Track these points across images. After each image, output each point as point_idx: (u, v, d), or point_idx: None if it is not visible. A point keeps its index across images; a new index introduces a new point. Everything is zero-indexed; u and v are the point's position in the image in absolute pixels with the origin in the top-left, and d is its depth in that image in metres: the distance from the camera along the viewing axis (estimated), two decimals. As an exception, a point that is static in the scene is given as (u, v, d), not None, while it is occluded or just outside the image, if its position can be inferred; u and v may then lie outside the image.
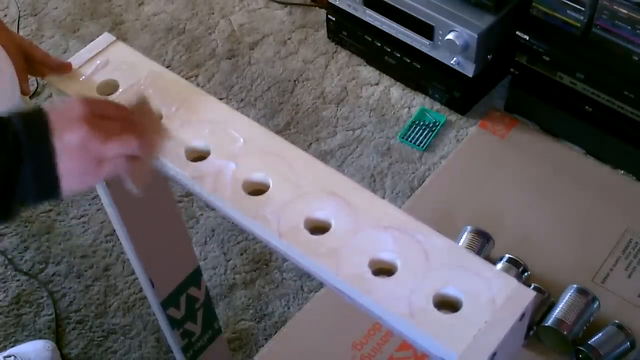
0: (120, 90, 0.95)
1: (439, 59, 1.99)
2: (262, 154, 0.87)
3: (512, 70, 1.95)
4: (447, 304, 0.75)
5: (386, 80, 2.15)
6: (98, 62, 0.98)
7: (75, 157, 0.76)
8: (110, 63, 0.98)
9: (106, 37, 1.01)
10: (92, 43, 1.00)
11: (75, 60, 0.98)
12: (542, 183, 1.89)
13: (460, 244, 1.71)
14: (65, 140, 0.75)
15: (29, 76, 0.96)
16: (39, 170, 0.75)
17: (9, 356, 1.62)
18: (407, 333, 0.74)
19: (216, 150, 0.88)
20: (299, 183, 0.84)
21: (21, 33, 2.35)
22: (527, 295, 0.74)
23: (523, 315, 0.73)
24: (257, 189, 0.85)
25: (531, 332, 1.61)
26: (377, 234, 0.80)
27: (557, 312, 1.59)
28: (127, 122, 0.81)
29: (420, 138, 2.01)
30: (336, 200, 0.83)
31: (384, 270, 0.78)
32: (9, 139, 0.73)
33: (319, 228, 0.81)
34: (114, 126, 0.79)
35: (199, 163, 0.87)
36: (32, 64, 0.95)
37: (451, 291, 0.75)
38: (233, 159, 0.87)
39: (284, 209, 0.82)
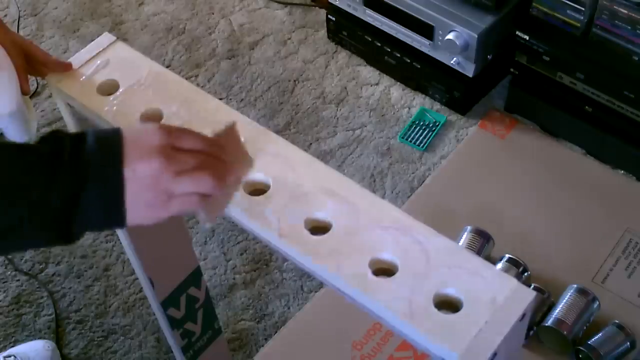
0: (121, 90, 0.95)
1: (439, 59, 1.99)
2: (262, 154, 0.87)
3: (512, 70, 1.95)
4: (448, 304, 0.75)
5: (386, 80, 2.15)
6: (98, 62, 0.98)
7: (143, 188, 0.72)
8: (110, 63, 0.98)
9: (106, 37, 1.01)
10: (92, 43, 1.00)
11: (75, 60, 0.98)
12: (542, 183, 1.89)
13: (460, 244, 1.71)
14: (137, 169, 0.72)
15: (29, 76, 0.95)
16: (104, 194, 0.71)
17: (9, 356, 1.62)
18: (407, 333, 0.74)
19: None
20: (299, 183, 0.84)
21: (21, 33, 2.35)
22: (528, 295, 0.74)
23: (523, 315, 0.73)
24: (257, 189, 0.85)
25: (531, 332, 1.61)
26: (378, 234, 0.80)
27: (557, 312, 1.59)
28: (206, 156, 0.76)
29: (420, 138, 2.01)
30: (336, 201, 0.83)
31: (384, 270, 0.78)
32: (81, 156, 0.71)
33: (319, 228, 0.81)
34: (190, 160, 0.74)
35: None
36: (32, 63, 0.95)
37: (451, 291, 0.75)
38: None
39: (284, 209, 0.82)
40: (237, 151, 0.81)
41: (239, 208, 0.83)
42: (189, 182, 0.74)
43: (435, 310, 0.74)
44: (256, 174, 0.86)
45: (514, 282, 0.75)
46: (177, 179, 0.73)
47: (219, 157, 0.77)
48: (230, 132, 0.80)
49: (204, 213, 0.78)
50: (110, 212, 0.73)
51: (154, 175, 0.72)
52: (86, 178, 0.70)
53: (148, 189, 0.73)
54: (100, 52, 0.99)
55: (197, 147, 0.76)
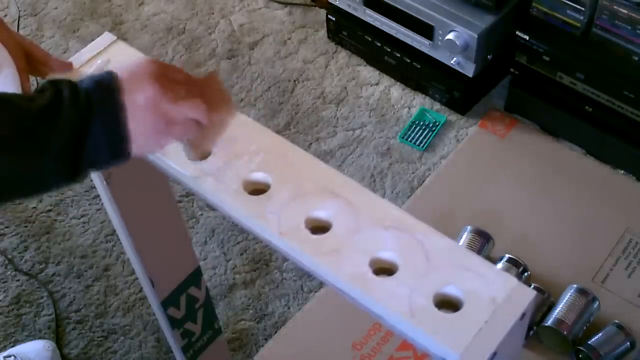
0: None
1: (439, 59, 1.99)
2: (262, 153, 0.87)
3: (512, 70, 1.95)
4: (448, 304, 0.75)
5: (386, 80, 2.15)
6: (99, 61, 0.98)
7: (145, 115, 0.76)
8: (111, 63, 0.98)
9: (107, 37, 1.01)
10: (92, 42, 1.00)
11: (76, 59, 0.98)
12: (542, 183, 1.89)
13: (461, 244, 1.71)
14: (136, 98, 0.76)
15: (29, 76, 0.96)
16: (109, 128, 0.75)
17: (9, 356, 1.62)
18: (407, 332, 0.74)
19: (216, 149, 0.88)
20: (299, 183, 0.84)
21: (21, 33, 2.34)
22: (528, 294, 0.74)
23: (524, 314, 0.73)
24: (257, 189, 0.85)
25: (531, 332, 1.61)
26: (378, 234, 0.80)
27: (557, 312, 1.59)
28: (195, 87, 0.82)
29: (420, 138, 2.01)
30: (337, 200, 0.83)
31: (384, 269, 0.78)
32: (81, 97, 0.74)
33: (319, 227, 0.81)
34: (182, 89, 0.79)
35: (199, 162, 0.87)
36: (33, 63, 0.95)
37: (452, 290, 0.75)
38: (234, 158, 0.87)
39: (284, 209, 0.82)
40: (219, 96, 0.86)
41: (240, 207, 0.83)
42: (186, 106, 0.78)
43: (436, 309, 0.74)
44: (256, 174, 0.86)
45: (514, 281, 0.75)
46: (175, 104, 0.78)
47: (203, 92, 0.82)
48: (211, 76, 0.86)
49: (192, 148, 0.83)
50: (115, 143, 0.76)
51: (152, 100, 0.76)
52: (89, 113, 0.74)
53: (148, 115, 0.76)
54: (100, 51, 0.99)
55: (186, 80, 0.81)
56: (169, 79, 0.78)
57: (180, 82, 0.80)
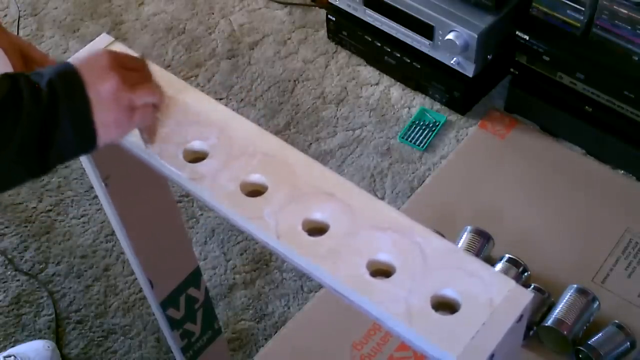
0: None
1: (439, 59, 1.98)
2: (260, 155, 0.87)
3: (512, 70, 1.95)
4: (445, 306, 0.75)
5: (386, 80, 2.15)
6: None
7: (109, 106, 0.78)
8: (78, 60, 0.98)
9: (104, 38, 1.01)
10: (90, 44, 1.00)
11: (72, 61, 0.98)
12: (542, 183, 1.89)
13: (460, 244, 1.71)
14: (99, 90, 0.77)
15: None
16: (77, 121, 0.77)
17: (9, 356, 1.62)
18: (405, 334, 0.74)
19: (214, 151, 0.88)
20: (296, 184, 0.84)
21: (21, 33, 2.35)
22: (525, 296, 0.74)
23: (521, 316, 0.73)
24: (255, 190, 0.85)
25: (531, 332, 1.61)
26: (375, 236, 0.80)
27: (557, 312, 1.59)
28: (146, 72, 0.85)
29: (420, 138, 2.01)
30: (334, 202, 0.82)
31: (382, 271, 0.78)
32: (43, 91, 0.75)
33: (317, 229, 0.81)
34: (136, 76, 0.82)
35: (196, 164, 0.87)
36: (30, 65, 0.95)
37: (449, 293, 0.75)
38: (231, 160, 0.87)
39: (281, 211, 0.82)
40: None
41: (237, 209, 0.83)
42: (144, 91, 0.82)
43: (433, 311, 0.74)
44: (254, 175, 0.86)
45: (511, 283, 0.75)
46: (134, 91, 0.80)
47: (150, 73, 0.86)
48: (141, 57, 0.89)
49: (149, 133, 0.88)
50: (84, 135, 0.78)
51: (115, 91, 0.79)
52: (55, 106, 0.75)
53: (112, 105, 0.79)
54: (98, 53, 0.99)
55: (137, 66, 0.84)
56: (125, 67, 0.81)
57: (133, 68, 0.83)
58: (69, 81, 0.77)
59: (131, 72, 0.82)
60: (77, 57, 0.82)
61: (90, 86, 0.77)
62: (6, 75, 0.76)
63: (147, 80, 0.84)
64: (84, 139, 0.78)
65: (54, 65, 0.79)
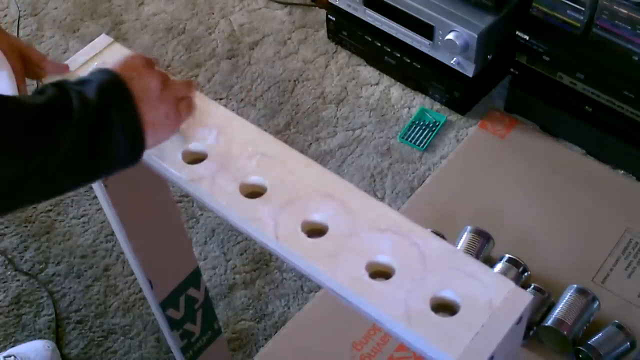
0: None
1: (439, 59, 1.98)
2: (259, 156, 0.87)
3: (512, 70, 1.95)
4: (445, 307, 0.75)
5: (386, 80, 2.15)
6: (95, 64, 0.98)
7: (157, 104, 0.79)
8: (107, 65, 0.98)
9: (103, 39, 1.01)
10: (89, 45, 1.00)
11: (72, 62, 0.98)
12: (542, 183, 1.89)
13: (460, 244, 1.71)
14: (146, 89, 0.78)
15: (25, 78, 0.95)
16: (127, 126, 0.76)
17: (9, 356, 1.62)
18: (404, 336, 0.74)
19: (213, 152, 0.88)
20: (296, 185, 0.84)
21: (21, 33, 2.35)
22: (525, 298, 0.74)
23: (520, 318, 0.73)
24: (254, 192, 0.85)
25: (531, 333, 1.61)
26: (375, 237, 0.80)
27: (557, 312, 1.59)
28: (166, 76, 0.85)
29: (420, 138, 2.01)
30: (333, 203, 0.82)
31: (381, 273, 0.78)
32: (90, 98, 0.74)
33: (316, 231, 0.81)
34: (164, 73, 0.82)
35: (196, 165, 0.87)
36: (29, 66, 0.95)
37: (448, 294, 0.75)
38: (230, 161, 0.87)
39: (281, 212, 0.82)
40: None
41: (236, 211, 0.83)
42: (181, 85, 0.84)
43: (432, 313, 0.74)
44: (253, 177, 0.86)
45: (511, 284, 0.75)
46: (172, 87, 0.81)
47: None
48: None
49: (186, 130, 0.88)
50: (134, 140, 0.77)
51: (159, 88, 0.79)
52: (106, 117, 0.74)
53: (159, 103, 0.79)
54: (97, 54, 0.99)
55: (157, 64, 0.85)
56: (155, 67, 0.82)
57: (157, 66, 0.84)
58: (115, 85, 0.76)
59: (158, 69, 0.83)
60: (106, 65, 0.82)
61: (136, 87, 0.77)
62: (52, 83, 0.75)
63: (178, 81, 0.86)
64: (135, 142, 0.78)
65: (93, 71, 0.79)
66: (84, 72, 0.97)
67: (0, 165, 0.69)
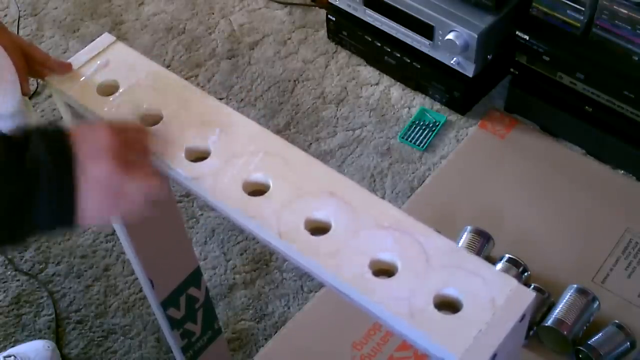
0: (121, 90, 0.95)
1: (439, 59, 1.98)
2: (262, 154, 0.87)
3: (512, 70, 1.95)
4: (448, 305, 0.75)
5: (386, 80, 2.15)
6: (98, 62, 0.98)
7: (96, 191, 0.73)
8: (110, 63, 0.98)
9: (106, 38, 1.01)
10: (92, 43, 1.00)
11: (75, 60, 0.98)
12: (542, 183, 1.89)
13: (460, 244, 1.71)
14: (90, 173, 0.72)
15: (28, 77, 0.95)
16: (57, 201, 0.72)
17: (9, 356, 1.62)
18: (407, 334, 0.74)
19: (216, 150, 0.88)
20: (299, 183, 0.84)
21: (21, 33, 2.35)
22: (528, 296, 0.74)
23: (523, 316, 0.73)
24: (257, 190, 0.85)
25: (531, 332, 1.61)
26: (378, 235, 0.80)
27: (557, 312, 1.59)
28: (146, 157, 0.79)
29: (420, 138, 2.01)
30: (336, 201, 0.82)
31: (384, 270, 0.78)
32: (27, 163, 0.70)
33: (319, 229, 0.81)
34: (134, 158, 0.76)
35: (198, 163, 0.87)
36: (32, 64, 0.95)
37: (451, 292, 0.75)
38: (233, 159, 0.87)
39: (284, 210, 0.82)
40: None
41: (239, 208, 0.83)
42: (138, 181, 0.76)
43: (435, 310, 0.74)
44: (256, 174, 0.86)
45: (514, 282, 0.75)
46: (127, 179, 0.75)
47: (151, 146, 0.81)
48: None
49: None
50: (62, 216, 0.73)
51: (106, 176, 0.73)
52: (37, 186, 0.70)
53: (100, 191, 0.74)
54: (100, 52, 0.99)
55: (139, 139, 0.79)
56: (126, 147, 0.75)
57: (135, 145, 0.77)
58: (59, 154, 0.71)
59: (131, 150, 0.76)
60: (79, 127, 0.76)
61: (81, 166, 0.71)
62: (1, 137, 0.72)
63: (146, 165, 0.79)
64: (61, 218, 0.73)
65: (52, 128, 0.73)
66: (86, 71, 0.97)
67: None
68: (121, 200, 0.76)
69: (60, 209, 0.72)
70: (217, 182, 0.85)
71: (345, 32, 2.18)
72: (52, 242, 1.87)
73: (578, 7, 1.75)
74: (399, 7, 1.97)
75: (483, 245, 1.71)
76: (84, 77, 0.97)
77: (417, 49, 2.02)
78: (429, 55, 2.00)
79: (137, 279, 1.74)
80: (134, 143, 0.78)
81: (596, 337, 1.58)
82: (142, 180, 0.77)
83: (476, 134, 2.01)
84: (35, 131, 0.73)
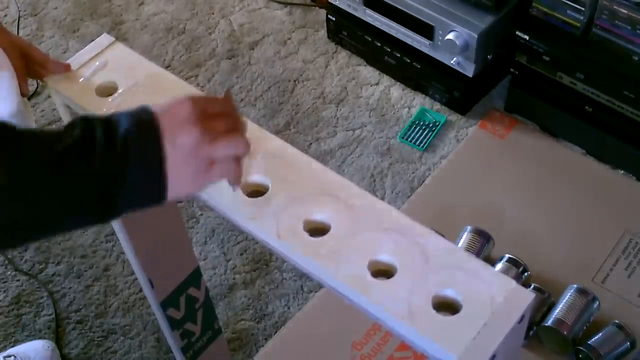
0: (119, 91, 0.95)
1: (439, 59, 1.98)
2: (261, 155, 0.87)
3: (512, 70, 1.95)
4: (446, 306, 0.75)
5: (386, 80, 2.15)
6: (97, 63, 0.98)
7: (187, 161, 0.73)
8: (109, 64, 0.98)
9: (105, 38, 1.01)
10: (91, 44, 1.00)
11: (74, 61, 0.98)
12: (542, 183, 1.89)
13: (460, 244, 1.71)
14: (177, 143, 0.72)
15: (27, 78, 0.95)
16: (148, 177, 0.72)
17: (9, 356, 1.62)
18: (406, 335, 0.74)
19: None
20: (298, 185, 0.84)
21: (21, 33, 2.35)
22: (526, 297, 0.74)
23: (522, 317, 0.73)
24: (256, 191, 0.85)
25: (531, 333, 1.61)
26: (376, 236, 0.80)
27: (557, 312, 1.59)
28: (233, 119, 0.78)
29: (420, 138, 2.01)
30: (335, 202, 0.83)
31: (383, 272, 0.78)
32: (118, 141, 0.70)
33: (318, 230, 0.81)
34: (221, 125, 0.75)
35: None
36: (31, 65, 0.95)
37: (450, 293, 0.75)
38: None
39: (283, 211, 0.82)
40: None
41: (238, 209, 0.83)
42: (226, 145, 0.75)
43: (434, 311, 0.74)
44: (255, 176, 0.86)
45: (512, 283, 0.75)
46: (215, 145, 0.74)
47: (239, 118, 0.79)
48: (228, 95, 0.82)
49: (233, 179, 0.79)
50: (153, 191, 0.73)
51: (193, 144, 0.73)
52: (126, 159, 0.70)
53: (190, 159, 0.73)
54: (98, 53, 0.99)
55: (224, 112, 0.77)
56: (209, 116, 0.75)
57: (218, 115, 0.76)
58: (145, 131, 0.72)
59: (216, 119, 0.75)
60: (162, 104, 0.75)
61: (168, 138, 0.72)
62: (83, 118, 0.72)
63: (233, 128, 0.77)
64: (153, 194, 0.73)
65: (134, 110, 0.74)
66: (85, 71, 0.97)
67: (12, 209, 0.68)
68: (211, 168, 0.75)
69: (150, 183, 0.72)
70: (216, 184, 0.85)
71: (345, 32, 2.18)
72: (52, 242, 1.87)
73: (578, 7, 1.75)
74: (399, 7, 1.97)
75: (483, 245, 1.71)
76: (82, 78, 0.97)
77: (417, 49, 2.02)
78: (429, 55, 2.00)
79: (137, 279, 1.74)
80: (215, 107, 0.77)
81: (596, 337, 1.58)
82: (230, 144, 0.76)
83: (476, 134, 2.01)
84: (121, 113, 0.73)
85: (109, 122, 0.71)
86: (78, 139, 0.70)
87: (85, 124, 0.71)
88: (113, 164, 0.70)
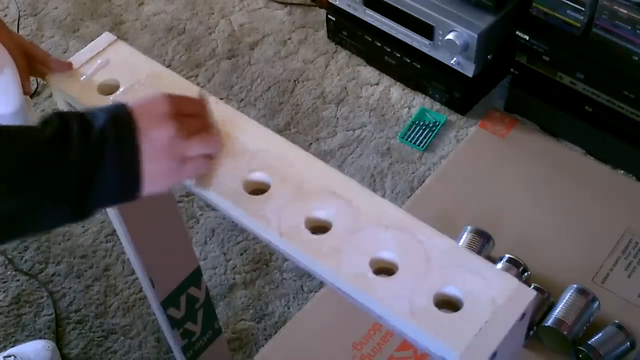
0: (121, 89, 0.95)
1: (439, 59, 1.99)
2: (262, 152, 0.87)
3: (512, 70, 1.95)
4: (448, 304, 0.75)
5: (386, 80, 2.15)
6: (99, 61, 0.98)
7: (160, 156, 0.75)
8: (110, 63, 0.98)
9: (107, 37, 1.01)
10: (92, 42, 1.00)
11: (75, 59, 0.98)
12: (542, 183, 1.89)
13: (461, 244, 1.71)
14: (152, 139, 0.74)
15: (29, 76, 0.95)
16: (122, 170, 0.73)
17: (9, 356, 1.62)
18: (407, 332, 0.74)
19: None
20: (299, 182, 0.84)
21: (21, 33, 2.35)
22: (528, 295, 0.74)
23: (524, 315, 0.73)
24: (258, 188, 0.85)
25: (531, 332, 1.61)
26: (378, 234, 0.80)
27: (557, 312, 1.59)
28: (206, 119, 0.81)
29: (420, 138, 2.01)
30: (337, 200, 0.82)
31: (384, 269, 0.78)
32: (93, 135, 0.71)
33: (319, 227, 0.81)
34: (195, 124, 0.79)
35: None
36: (33, 64, 0.95)
37: (452, 291, 0.75)
38: (233, 157, 0.87)
39: (284, 209, 0.82)
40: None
41: (240, 207, 0.83)
42: (199, 143, 0.78)
43: (436, 309, 0.74)
44: (257, 173, 0.86)
45: (514, 281, 0.75)
46: (189, 142, 0.77)
47: (211, 119, 0.83)
48: (202, 96, 0.85)
49: (198, 180, 0.83)
50: (128, 185, 0.75)
51: (168, 140, 0.75)
52: (101, 156, 0.72)
53: (164, 155, 0.75)
54: (100, 51, 0.99)
55: (198, 112, 0.81)
56: (183, 114, 0.77)
57: (191, 114, 0.79)
58: (122, 126, 0.73)
59: (190, 118, 0.78)
60: (138, 100, 0.77)
61: (144, 133, 0.74)
62: (58, 114, 0.73)
63: (205, 128, 0.81)
64: (128, 188, 0.75)
65: (110, 105, 0.75)
66: (87, 70, 0.97)
67: None
68: (185, 164, 0.78)
69: (124, 178, 0.74)
70: (218, 181, 0.85)
71: (345, 32, 2.18)
72: (52, 242, 1.87)
73: (578, 7, 1.75)
74: (399, 7, 1.97)
75: (483, 245, 1.71)
76: (84, 76, 0.97)
77: (417, 49, 2.02)
78: (429, 55, 2.00)
79: (137, 279, 1.74)
80: (189, 107, 0.80)
81: (596, 337, 1.58)
82: (203, 142, 0.79)
83: (476, 134, 2.01)
84: (98, 108, 0.75)
85: (84, 117, 0.73)
86: (54, 134, 0.71)
87: (61, 120, 0.72)
88: (88, 157, 0.71)
